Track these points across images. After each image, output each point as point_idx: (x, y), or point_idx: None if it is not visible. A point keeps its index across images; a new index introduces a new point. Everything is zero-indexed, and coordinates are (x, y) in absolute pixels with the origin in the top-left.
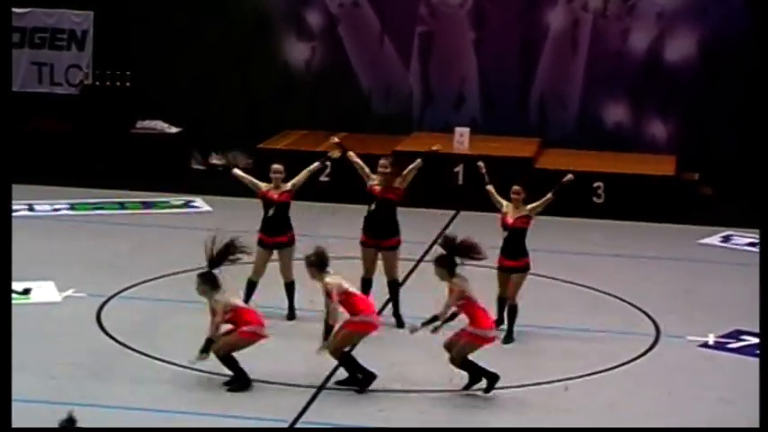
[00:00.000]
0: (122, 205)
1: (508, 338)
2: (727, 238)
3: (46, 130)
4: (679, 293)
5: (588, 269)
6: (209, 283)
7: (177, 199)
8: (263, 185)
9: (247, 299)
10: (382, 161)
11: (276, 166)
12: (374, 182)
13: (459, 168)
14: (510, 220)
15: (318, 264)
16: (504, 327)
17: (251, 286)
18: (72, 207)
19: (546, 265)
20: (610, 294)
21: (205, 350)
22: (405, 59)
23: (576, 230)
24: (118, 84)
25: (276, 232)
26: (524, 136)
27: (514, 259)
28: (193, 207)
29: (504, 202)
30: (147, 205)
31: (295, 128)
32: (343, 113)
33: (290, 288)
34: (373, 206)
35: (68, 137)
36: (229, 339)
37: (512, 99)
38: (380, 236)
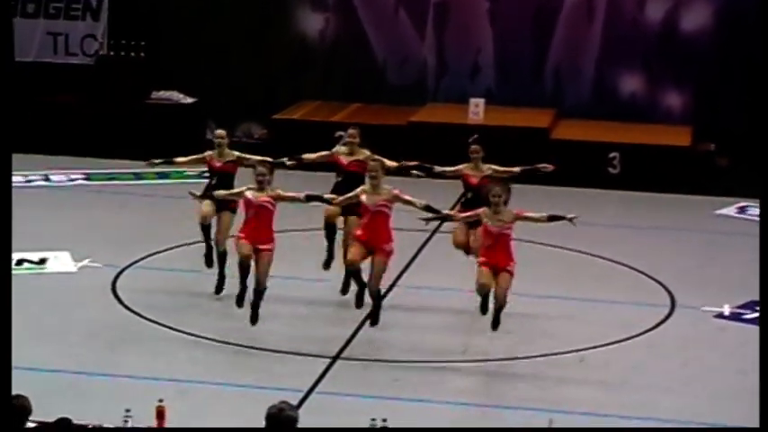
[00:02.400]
0: (138, 175)
1: None
2: (743, 209)
3: (61, 100)
4: (695, 264)
5: (603, 240)
6: None
7: (192, 169)
8: (208, 154)
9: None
10: (351, 131)
11: (219, 131)
12: (342, 154)
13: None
14: (475, 180)
15: None
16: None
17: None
18: (87, 177)
19: (561, 235)
20: (625, 265)
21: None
22: (420, 30)
23: (592, 201)
24: (133, 54)
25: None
26: (540, 106)
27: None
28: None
29: (461, 166)
30: (162, 176)
31: (310, 98)
32: (357, 84)
33: (222, 257)
34: (340, 178)
35: (83, 107)
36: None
37: (527, 69)
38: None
